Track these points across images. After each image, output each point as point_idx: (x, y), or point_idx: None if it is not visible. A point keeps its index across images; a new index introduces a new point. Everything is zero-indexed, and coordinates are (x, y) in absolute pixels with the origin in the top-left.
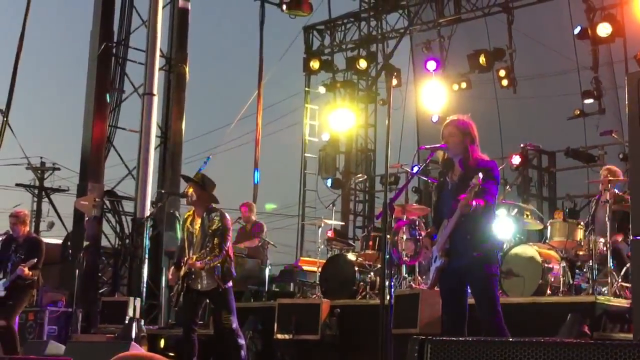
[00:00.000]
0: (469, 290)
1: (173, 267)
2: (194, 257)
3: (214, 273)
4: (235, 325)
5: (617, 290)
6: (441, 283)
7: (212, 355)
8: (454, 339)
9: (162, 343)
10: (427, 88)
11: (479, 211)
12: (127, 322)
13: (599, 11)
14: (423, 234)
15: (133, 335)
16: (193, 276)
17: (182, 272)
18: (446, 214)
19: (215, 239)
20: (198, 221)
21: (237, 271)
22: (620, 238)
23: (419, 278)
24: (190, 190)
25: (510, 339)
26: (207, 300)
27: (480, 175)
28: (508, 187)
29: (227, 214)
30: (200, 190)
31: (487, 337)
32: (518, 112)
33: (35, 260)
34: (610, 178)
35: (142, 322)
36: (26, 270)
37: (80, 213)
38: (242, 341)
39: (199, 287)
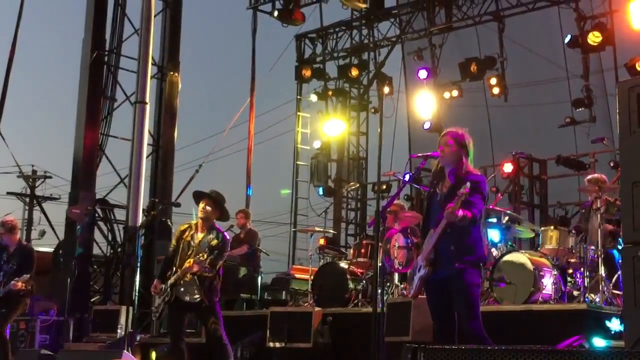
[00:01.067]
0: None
1: (157, 280)
2: (191, 260)
3: (202, 287)
4: (223, 334)
5: (608, 298)
6: (428, 294)
7: None
8: (447, 346)
9: (153, 356)
10: (418, 96)
11: (465, 223)
12: (119, 332)
13: (589, 20)
14: (416, 241)
15: (125, 344)
16: (182, 289)
17: (172, 281)
18: (433, 224)
19: (211, 255)
20: (200, 235)
21: (230, 279)
22: (610, 227)
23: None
24: (207, 206)
25: (503, 347)
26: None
27: (468, 184)
28: (499, 194)
29: (228, 235)
30: (216, 206)
31: (479, 345)
32: (509, 120)
33: (29, 276)
34: (601, 185)
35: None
36: (19, 284)
37: (71, 221)
38: (229, 349)
39: (187, 299)
